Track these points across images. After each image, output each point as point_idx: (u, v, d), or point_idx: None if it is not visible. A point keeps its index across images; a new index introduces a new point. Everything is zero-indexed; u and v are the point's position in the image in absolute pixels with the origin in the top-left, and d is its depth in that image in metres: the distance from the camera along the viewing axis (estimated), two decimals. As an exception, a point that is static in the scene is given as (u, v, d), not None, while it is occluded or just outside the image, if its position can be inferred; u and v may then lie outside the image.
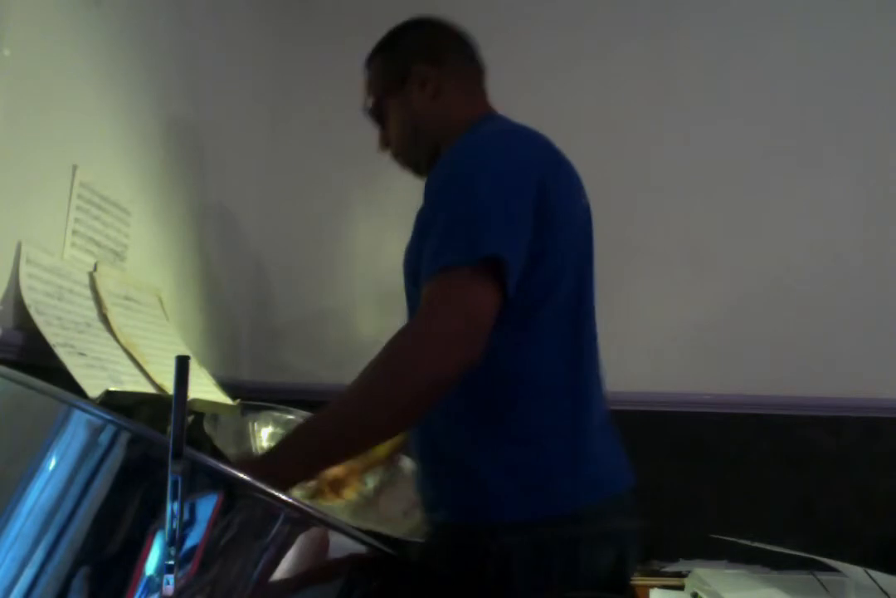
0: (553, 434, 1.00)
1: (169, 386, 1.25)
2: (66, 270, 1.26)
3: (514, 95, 2.25)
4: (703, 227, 2.23)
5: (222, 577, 0.72)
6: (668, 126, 2.28)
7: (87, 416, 0.73)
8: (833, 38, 2.27)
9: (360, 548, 0.80)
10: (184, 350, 1.54)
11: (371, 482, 1.49)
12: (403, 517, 1.40)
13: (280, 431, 1.49)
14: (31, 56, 1.21)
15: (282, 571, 0.74)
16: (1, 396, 0.80)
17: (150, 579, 0.68)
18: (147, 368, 1.28)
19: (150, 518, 0.69)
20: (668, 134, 2.28)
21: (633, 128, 2.28)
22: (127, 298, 1.42)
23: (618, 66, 2.32)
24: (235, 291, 2.17)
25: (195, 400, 1.30)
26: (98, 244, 1.38)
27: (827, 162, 2.24)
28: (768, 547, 1.52)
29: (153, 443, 0.71)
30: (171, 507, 0.64)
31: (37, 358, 1.10)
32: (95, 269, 1.35)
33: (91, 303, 1.30)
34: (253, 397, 1.62)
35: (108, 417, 0.72)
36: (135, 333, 1.36)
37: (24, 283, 1.14)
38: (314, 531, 0.76)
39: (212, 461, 0.71)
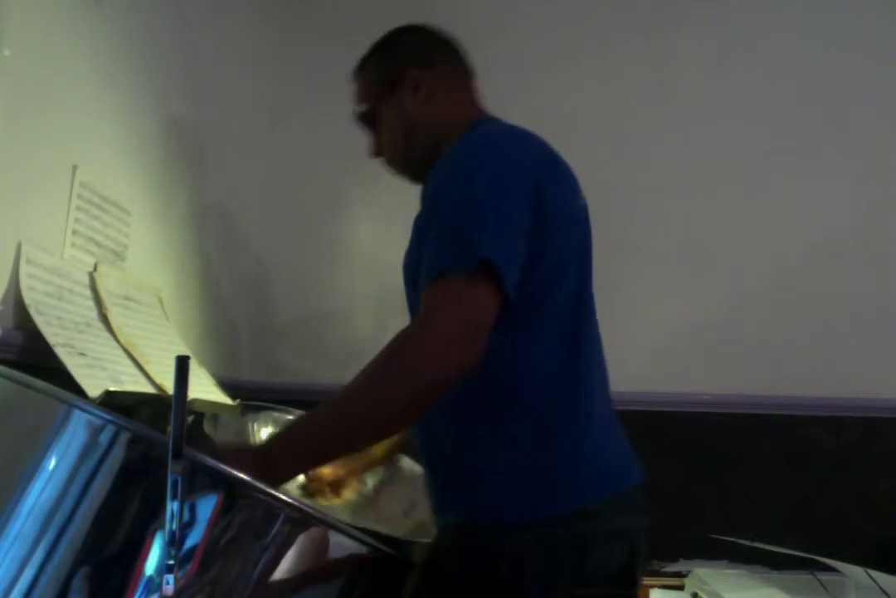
0: (556, 433, 1.00)
1: (169, 386, 1.25)
2: (66, 270, 1.26)
3: (514, 95, 2.26)
4: (703, 227, 2.23)
5: (222, 577, 0.72)
6: (668, 126, 2.28)
7: (87, 416, 0.73)
8: (833, 38, 2.27)
9: (360, 548, 0.80)
10: (184, 350, 1.54)
11: (371, 482, 1.49)
12: (403, 517, 1.40)
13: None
14: (31, 56, 1.21)
15: (282, 571, 0.74)
16: (1, 396, 0.80)
17: (150, 579, 0.68)
18: (147, 368, 1.28)
19: (150, 518, 0.69)
20: (668, 134, 2.28)
21: (633, 128, 2.28)
22: (127, 298, 1.42)
23: (618, 66, 2.32)
24: (235, 292, 2.17)
25: (195, 400, 1.30)
26: (98, 244, 1.38)
27: (827, 162, 2.24)
28: (768, 547, 1.52)
29: (153, 443, 0.71)
30: (171, 507, 0.64)
31: (37, 358, 1.10)
32: (95, 269, 1.35)
33: (91, 303, 1.30)
34: (253, 397, 1.62)
35: (108, 417, 0.72)
36: (135, 333, 1.36)
37: (24, 283, 1.14)
38: (314, 531, 0.77)
39: (212, 461, 0.71)
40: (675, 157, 2.26)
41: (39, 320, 1.11)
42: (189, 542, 0.69)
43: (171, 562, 0.65)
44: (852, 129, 2.24)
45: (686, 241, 2.23)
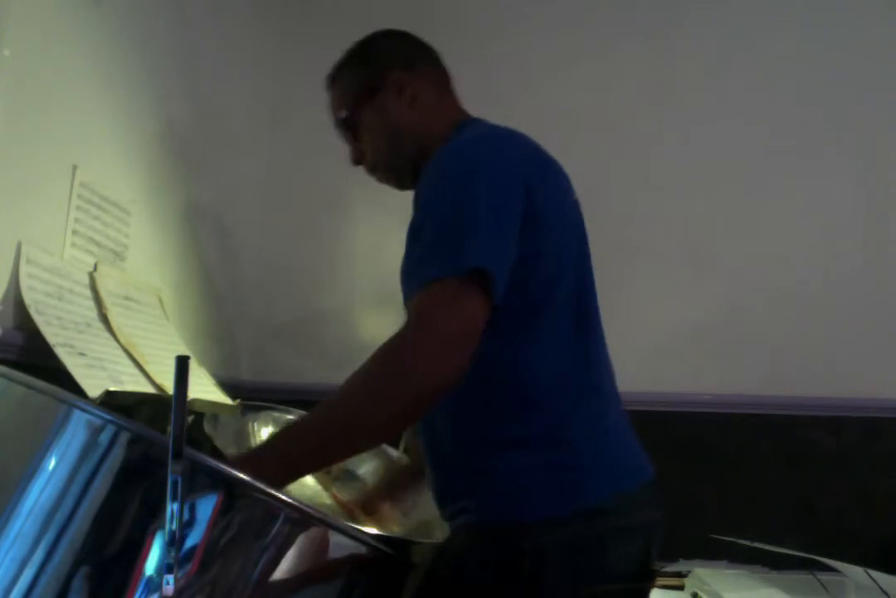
0: (571, 432, 1.00)
1: (169, 386, 1.25)
2: (66, 270, 1.26)
3: (514, 95, 2.26)
4: (703, 227, 2.23)
5: (222, 577, 0.72)
6: (668, 126, 2.28)
7: (87, 416, 0.73)
8: (833, 38, 2.27)
9: (360, 548, 0.80)
10: (184, 350, 1.54)
11: (371, 482, 1.49)
12: (403, 517, 1.40)
13: (280, 431, 1.49)
14: (31, 56, 1.21)
15: (282, 571, 0.74)
16: (1, 396, 0.80)
17: (150, 579, 0.68)
18: (147, 368, 1.28)
19: (150, 518, 0.69)
20: (668, 134, 2.28)
21: (633, 128, 2.28)
22: (127, 298, 1.42)
23: (618, 66, 2.32)
24: (235, 292, 2.17)
25: (195, 400, 1.30)
26: (98, 244, 1.38)
27: (827, 162, 2.24)
28: (768, 547, 1.52)
29: (153, 443, 0.71)
30: (171, 507, 0.64)
31: (37, 358, 1.10)
32: (95, 269, 1.35)
33: (91, 303, 1.30)
34: (253, 397, 1.62)
35: (108, 417, 0.72)
36: (135, 333, 1.36)
37: (24, 283, 1.14)
38: (314, 531, 0.77)
39: (212, 461, 0.71)
40: (675, 157, 2.26)
41: (39, 320, 1.11)
42: (189, 542, 0.69)
43: (171, 562, 0.65)
44: (852, 129, 2.24)
45: (686, 241, 2.23)
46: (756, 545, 1.56)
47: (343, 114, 1.23)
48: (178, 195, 1.77)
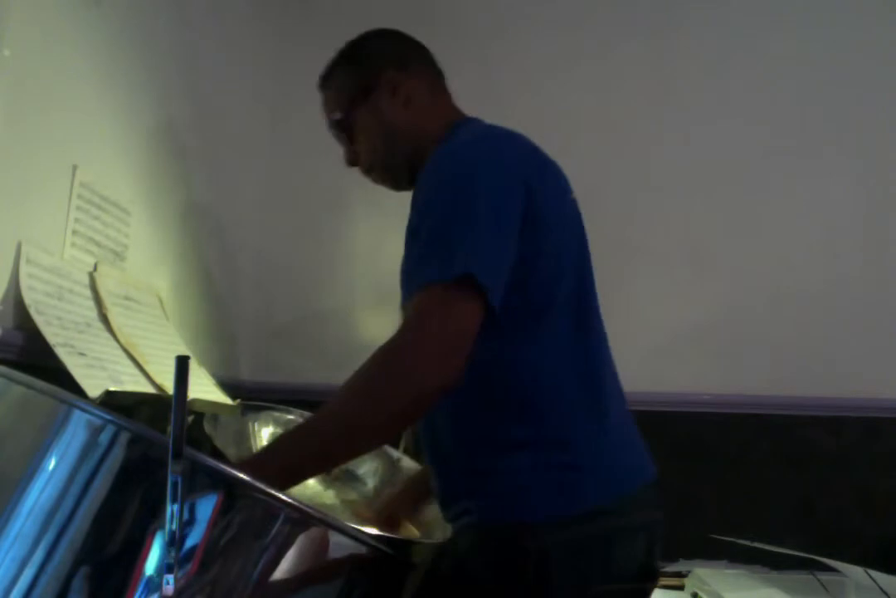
0: (574, 432, 1.00)
1: (169, 386, 1.25)
2: (66, 270, 1.26)
3: (514, 95, 2.26)
4: (703, 227, 2.23)
5: (222, 577, 0.72)
6: (668, 126, 2.29)
7: (87, 416, 0.73)
8: (833, 38, 2.27)
9: (360, 548, 0.80)
10: (184, 350, 1.54)
11: (371, 483, 1.49)
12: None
13: (280, 431, 1.49)
14: (31, 56, 1.21)
15: (282, 571, 0.74)
16: (1, 396, 0.80)
17: (150, 579, 0.68)
18: (147, 368, 1.28)
19: (150, 518, 0.69)
20: (668, 134, 2.28)
21: (633, 128, 2.28)
22: (127, 298, 1.42)
23: (618, 66, 2.32)
24: (235, 292, 2.17)
25: (195, 400, 1.30)
26: (98, 244, 1.38)
27: (827, 162, 2.24)
28: (768, 547, 1.52)
29: (153, 443, 0.71)
30: (171, 507, 0.64)
31: (37, 358, 1.10)
32: (95, 269, 1.35)
33: (91, 303, 1.30)
34: (253, 397, 1.62)
35: (108, 417, 0.72)
36: (135, 333, 1.36)
37: (24, 283, 1.14)
38: (314, 531, 0.77)
39: (212, 461, 0.71)
40: (675, 157, 2.26)
41: (39, 320, 1.11)
42: (189, 542, 0.69)
43: (171, 562, 0.65)
44: (852, 129, 2.24)
45: (686, 241, 2.23)
46: (756, 545, 1.57)
47: (337, 115, 1.22)
48: (177, 195, 1.77)
